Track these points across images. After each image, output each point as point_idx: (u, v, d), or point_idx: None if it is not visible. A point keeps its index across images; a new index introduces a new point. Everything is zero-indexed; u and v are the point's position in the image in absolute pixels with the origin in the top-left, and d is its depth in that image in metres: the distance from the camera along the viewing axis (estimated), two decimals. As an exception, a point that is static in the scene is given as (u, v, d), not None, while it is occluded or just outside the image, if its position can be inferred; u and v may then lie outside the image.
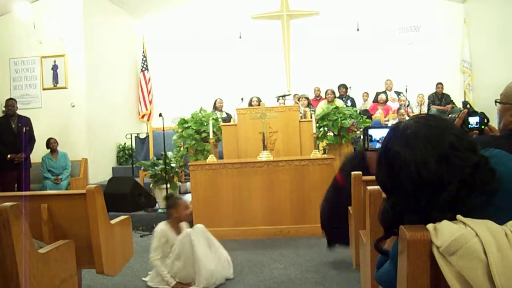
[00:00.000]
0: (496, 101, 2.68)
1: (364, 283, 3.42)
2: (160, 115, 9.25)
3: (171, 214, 5.53)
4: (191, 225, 5.74)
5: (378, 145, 2.77)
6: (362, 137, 3.11)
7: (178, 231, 5.47)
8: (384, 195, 2.49)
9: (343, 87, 13.84)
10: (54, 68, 11.94)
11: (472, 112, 2.84)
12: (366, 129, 2.86)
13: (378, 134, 2.81)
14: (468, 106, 12.51)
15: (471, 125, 2.82)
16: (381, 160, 1.86)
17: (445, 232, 1.56)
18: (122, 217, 4.78)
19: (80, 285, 4.27)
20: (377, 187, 2.83)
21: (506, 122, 2.57)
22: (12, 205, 3.02)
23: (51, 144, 10.90)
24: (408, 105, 13.38)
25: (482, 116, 2.84)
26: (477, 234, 1.51)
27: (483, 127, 2.83)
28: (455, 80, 14.39)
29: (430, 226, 1.61)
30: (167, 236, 5.42)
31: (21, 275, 3.03)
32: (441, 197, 1.67)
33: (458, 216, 1.60)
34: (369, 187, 2.87)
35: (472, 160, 1.70)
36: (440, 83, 13.66)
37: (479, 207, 1.65)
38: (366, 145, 2.86)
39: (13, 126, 9.61)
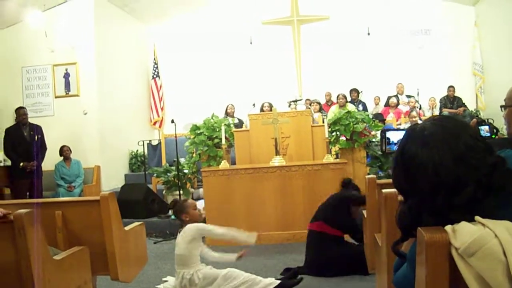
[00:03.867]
0: (501, 107, 2.65)
1: (379, 287, 3.39)
2: (173, 121, 9.27)
3: (183, 220, 5.44)
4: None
5: (395, 148, 2.76)
6: (380, 139, 3.10)
7: None
8: (400, 197, 2.48)
9: (355, 91, 13.81)
10: (66, 76, 12.00)
11: (482, 122, 2.83)
12: (383, 132, 2.85)
13: (396, 136, 2.80)
14: (477, 115, 12.48)
15: (483, 133, 2.81)
16: (398, 162, 1.85)
17: (464, 233, 1.55)
18: (136, 223, 4.79)
19: (95, 292, 4.28)
20: (393, 190, 2.82)
21: None
22: (27, 212, 3.04)
23: (64, 151, 10.95)
24: (420, 108, 13.34)
25: (491, 125, 2.83)
26: (496, 235, 1.50)
27: (493, 136, 2.82)
28: (466, 83, 14.33)
29: (448, 227, 1.60)
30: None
31: (36, 281, 3.04)
32: (458, 199, 1.66)
33: (477, 217, 1.59)
34: (384, 190, 2.85)
35: (489, 161, 1.69)
36: (452, 86, 13.60)
37: (496, 208, 1.64)
38: (383, 148, 2.85)
39: (26, 134, 9.68)
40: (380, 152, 9.30)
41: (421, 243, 1.64)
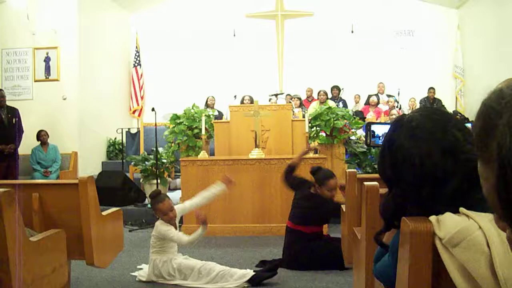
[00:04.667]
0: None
1: (357, 280, 3.40)
2: (153, 109, 9.21)
3: (157, 214, 5.40)
4: (180, 224, 5.69)
5: (380, 141, 2.77)
6: (365, 132, 3.10)
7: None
8: (382, 190, 2.49)
9: (336, 88, 13.84)
10: (47, 60, 11.88)
11: (465, 119, 2.85)
12: (369, 125, 2.86)
13: (381, 130, 2.80)
14: (458, 115, 12.58)
15: None
16: (385, 152, 1.85)
17: (449, 223, 1.55)
18: (114, 209, 4.75)
19: (69, 276, 4.24)
20: (375, 183, 2.83)
21: None
22: (5, 191, 3.00)
23: (41, 136, 10.84)
24: (400, 108, 13.41)
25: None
26: (480, 227, 1.51)
27: None
28: (447, 86, 14.48)
29: (433, 218, 1.61)
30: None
31: (12, 262, 3.00)
32: (444, 191, 1.67)
33: (461, 209, 1.60)
34: (366, 183, 2.85)
35: (476, 154, 1.70)
36: (432, 88, 13.71)
37: (481, 201, 1.65)
38: (368, 141, 2.85)
39: (3, 117, 9.56)
40: (358, 150, 9.34)
41: (405, 233, 1.64)
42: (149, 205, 9.00)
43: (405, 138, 1.75)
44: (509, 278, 1.43)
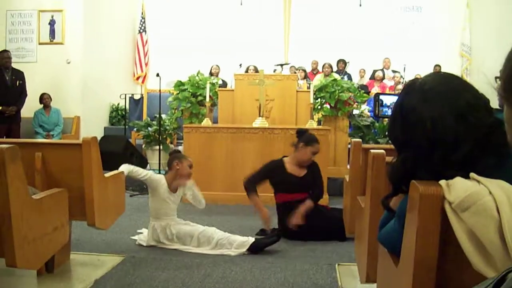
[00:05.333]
0: (496, 78, 2.63)
1: (358, 250, 3.40)
2: (158, 75, 9.18)
3: (172, 166, 5.41)
4: None
5: (389, 112, 2.74)
6: (373, 103, 3.06)
7: (172, 190, 5.40)
8: (387, 159, 2.47)
9: (342, 62, 13.75)
10: (52, 23, 11.79)
11: None
12: (377, 95, 2.83)
13: (389, 100, 2.77)
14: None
15: None
16: (396, 114, 1.83)
17: (459, 188, 1.54)
18: (116, 171, 4.75)
19: (70, 237, 4.24)
20: (381, 151, 2.81)
21: None
22: (9, 147, 2.99)
23: (44, 99, 10.84)
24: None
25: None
26: (490, 192, 1.49)
27: None
28: (453, 64, 14.36)
29: (443, 182, 1.59)
30: (159, 186, 5.34)
31: (14, 217, 3.00)
32: (454, 155, 1.65)
33: (472, 174, 1.58)
34: (372, 151, 2.83)
35: (488, 121, 1.68)
36: (438, 65, 13.62)
37: (491, 168, 1.63)
38: (377, 111, 2.82)
39: (7, 78, 9.53)
40: (362, 123, 9.33)
41: (414, 196, 1.63)
42: (151, 171, 9.02)
43: (417, 101, 1.73)
44: (518, 244, 1.42)
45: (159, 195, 5.30)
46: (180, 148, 9.97)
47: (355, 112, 9.56)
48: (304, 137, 5.91)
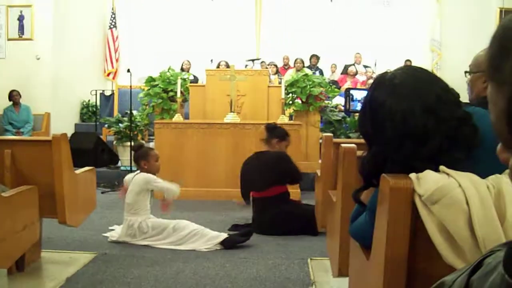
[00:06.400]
0: (466, 72, 2.67)
1: (331, 243, 3.42)
2: (128, 70, 9.10)
3: (141, 166, 5.40)
4: None
5: (359, 106, 2.76)
6: (344, 98, 3.08)
7: None
8: (358, 153, 2.48)
9: (315, 57, 13.79)
10: (21, 18, 11.62)
11: None
12: (348, 90, 2.85)
13: (360, 94, 2.79)
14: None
15: None
16: (366, 108, 1.84)
17: (429, 181, 1.55)
18: (87, 168, 4.71)
19: (40, 235, 4.20)
20: (352, 145, 2.82)
21: (479, 90, 2.57)
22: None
23: (13, 96, 10.69)
24: (376, 79, 13.44)
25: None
26: (460, 185, 1.51)
27: None
28: (423, 58, 14.44)
29: (413, 175, 1.61)
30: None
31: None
32: (424, 149, 1.66)
33: (442, 167, 1.60)
34: (343, 145, 2.85)
35: (457, 114, 1.69)
36: (409, 60, 13.68)
37: (460, 161, 1.65)
38: (347, 106, 2.84)
39: (-26, 75, 9.40)
40: (334, 118, 9.37)
41: (384, 189, 1.64)
42: (122, 167, 8.98)
43: (387, 95, 1.74)
44: (487, 237, 1.44)
45: (146, 193, 5.28)
46: (151, 144, 9.93)
47: (330, 104, 9.61)
48: (276, 132, 5.94)
